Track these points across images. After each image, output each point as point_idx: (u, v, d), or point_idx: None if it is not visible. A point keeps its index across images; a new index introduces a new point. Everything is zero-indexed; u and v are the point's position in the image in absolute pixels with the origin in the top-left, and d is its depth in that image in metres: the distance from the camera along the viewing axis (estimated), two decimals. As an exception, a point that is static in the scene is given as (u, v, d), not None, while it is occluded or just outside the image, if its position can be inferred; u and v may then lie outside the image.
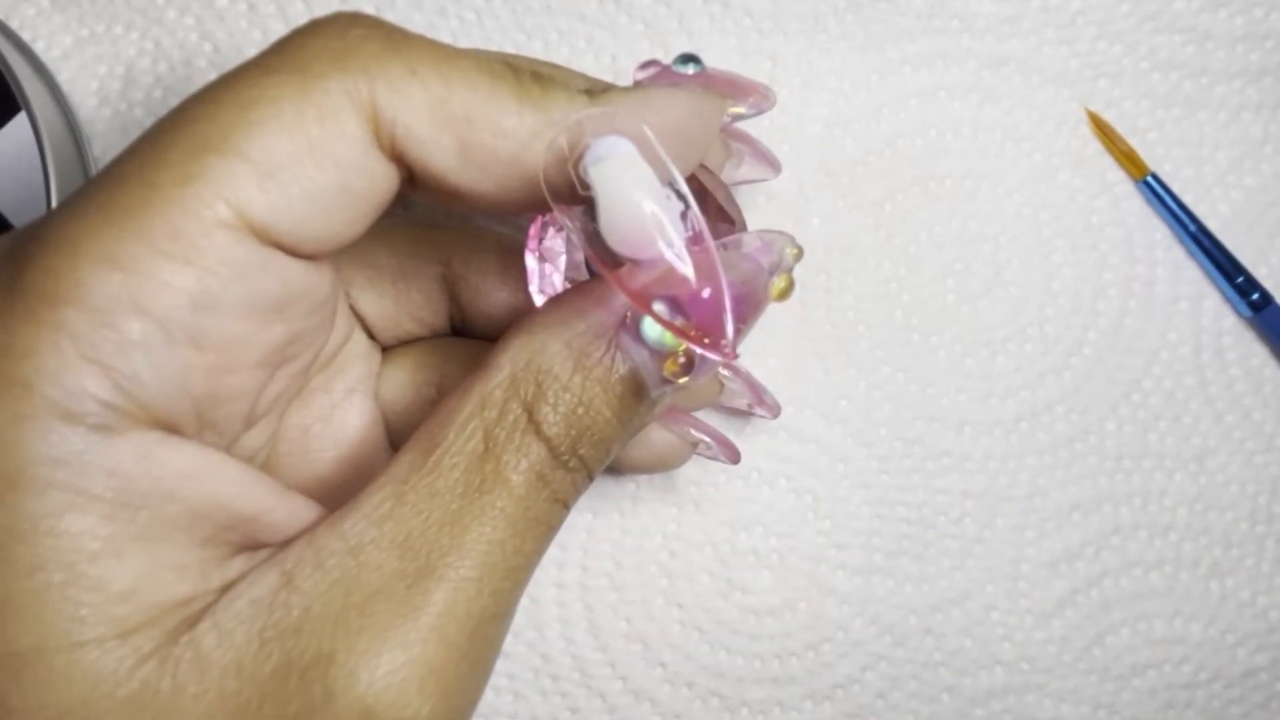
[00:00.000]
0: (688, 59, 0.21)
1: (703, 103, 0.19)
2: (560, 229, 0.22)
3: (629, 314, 0.17)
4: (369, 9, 0.26)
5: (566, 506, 0.18)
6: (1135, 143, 0.27)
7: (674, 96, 0.18)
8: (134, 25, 0.26)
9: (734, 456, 0.23)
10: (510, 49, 0.26)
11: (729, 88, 0.22)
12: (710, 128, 0.19)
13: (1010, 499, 0.27)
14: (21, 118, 0.24)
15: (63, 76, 0.26)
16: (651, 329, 0.17)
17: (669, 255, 0.16)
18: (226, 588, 0.16)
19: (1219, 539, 0.27)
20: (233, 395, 0.17)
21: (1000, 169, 0.27)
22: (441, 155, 0.17)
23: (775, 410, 0.24)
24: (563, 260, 0.22)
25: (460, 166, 0.17)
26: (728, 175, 0.24)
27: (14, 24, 0.26)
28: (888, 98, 0.27)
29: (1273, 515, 0.27)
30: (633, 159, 0.16)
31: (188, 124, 0.16)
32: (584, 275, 0.22)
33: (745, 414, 0.26)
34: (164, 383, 0.15)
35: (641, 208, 0.16)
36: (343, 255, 0.22)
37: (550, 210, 0.17)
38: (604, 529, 0.27)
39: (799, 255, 0.19)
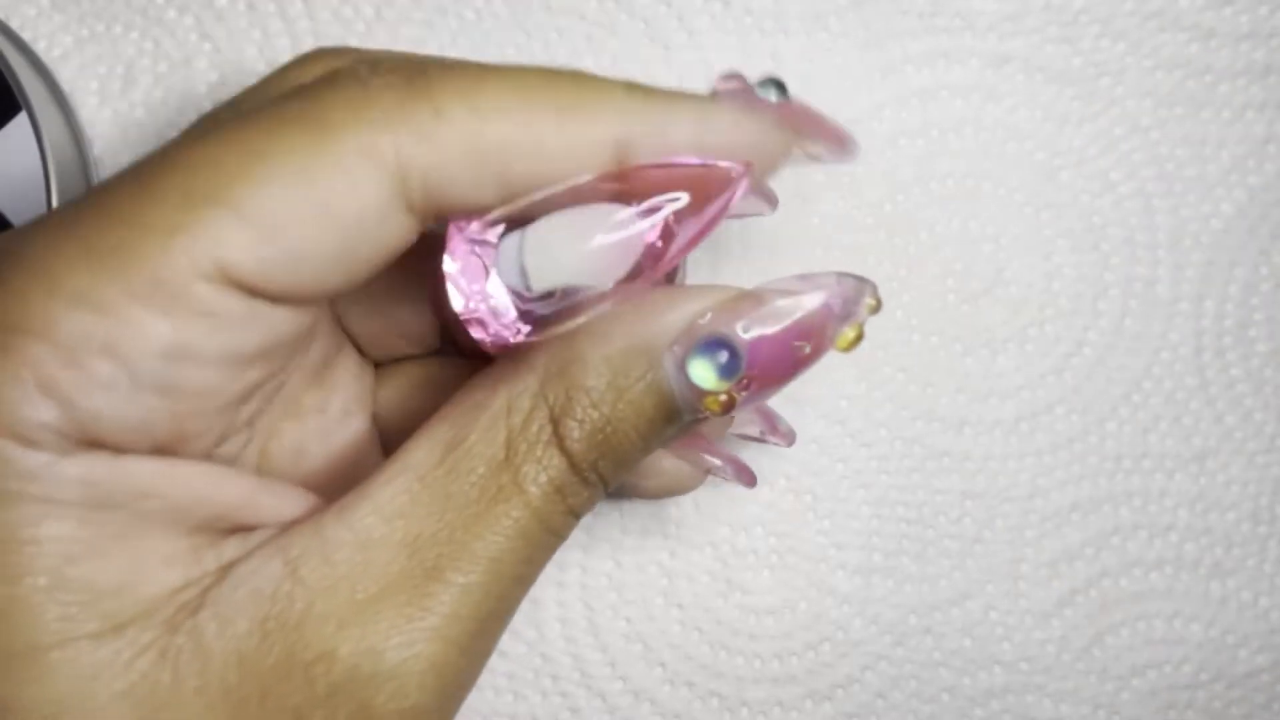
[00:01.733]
0: (772, 83, 0.19)
1: (772, 136, 0.17)
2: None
3: (677, 342, 0.16)
4: (369, 9, 0.26)
5: (578, 517, 0.18)
6: (1138, 141, 0.27)
7: (742, 120, 0.17)
8: (134, 25, 0.26)
9: (749, 480, 0.22)
10: (510, 49, 0.26)
11: (808, 125, 0.20)
12: (771, 164, 0.18)
13: (1010, 499, 0.27)
14: (22, 118, 0.24)
15: (63, 76, 0.26)
16: (697, 370, 0.16)
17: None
18: (223, 570, 0.16)
19: (1220, 539, 0.27)
20: (197, 434, 0.16)
21: (1002, 169, 0.27)
22: (478, 191, 0.16)
23: (790, 438, 0.23)
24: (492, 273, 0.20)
25: (500, 196, 0.16)
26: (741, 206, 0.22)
27: (14, 24, 0.26)
28: (889, 97, 0.27)
29: (1274, 516, 0.27)
30: (545, 228, 0.16)
31: (190, 166, 0.15)
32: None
33: (758, 441, 0.25)
34: (124, 425, 0.15)
35: (582, 243, 0.15)
36: None
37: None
38: (604, 529, 0.27)
39: (876, 308, 0.18)
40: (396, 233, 0.16)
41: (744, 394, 0.16)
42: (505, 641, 0.26)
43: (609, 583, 0.27)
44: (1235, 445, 0.27)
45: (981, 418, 0.27)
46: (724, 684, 0.27)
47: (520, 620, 0.26)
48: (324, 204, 0.15)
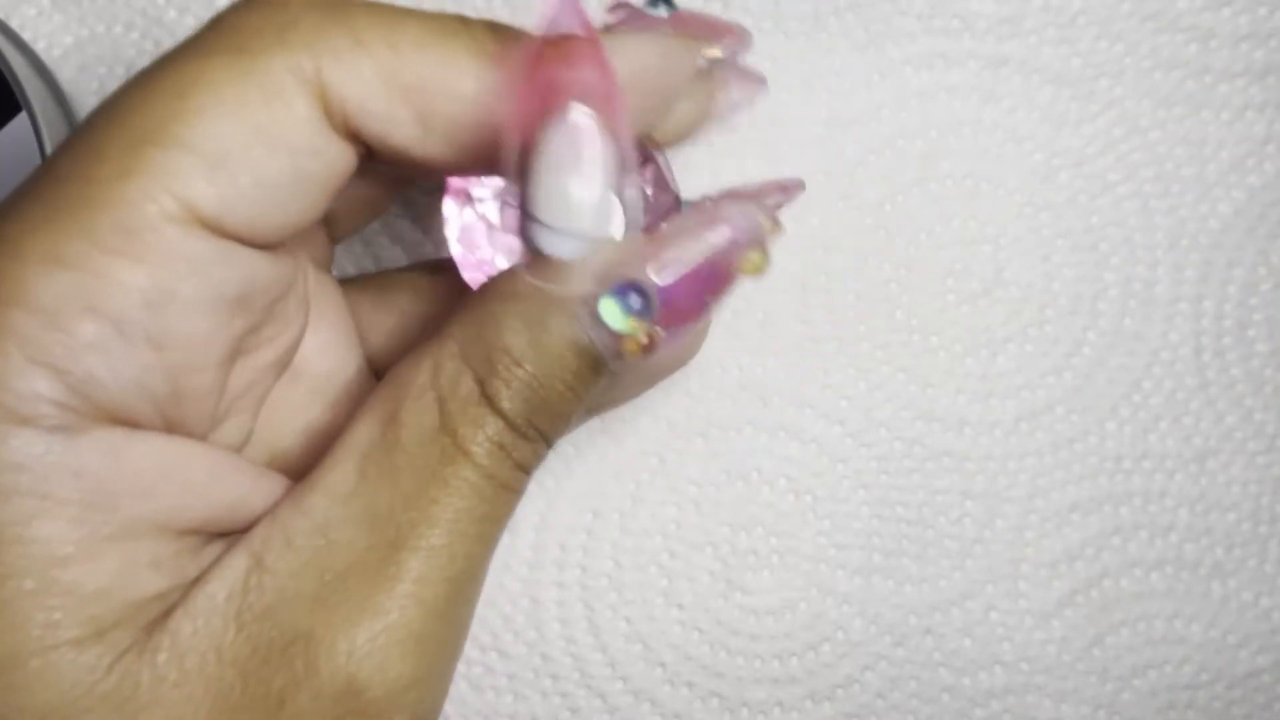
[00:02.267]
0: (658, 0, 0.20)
1: (673, 49, 0.18)
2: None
3: (589, 291, 0.17)
4: (369, 9, 0.26)
5: (528, 472, 0.18)
6: (1136, 142, 0.27)
7: (642, 43, 0.17)
8: (134, 25, 0.26)
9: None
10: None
11: (703, 29, 0.21)
12: (681, 74, 0.18)
13: (1010, 499, 0.27)
14: (22, 118, 0.24)
15: (63, 76, 0.26)
16: (609, 314, 0.16)
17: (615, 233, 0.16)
18: (201, 575, 0.16)
19: (1220, 540, 0.27)
20: (198, 395, 0.16)
21: (1001, 169, 0.27)
22: (400, 129, 0.16)
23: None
24: (492, 208, 0.20)
25: (421, 137, 0.16)
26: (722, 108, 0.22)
27: (14, 24, 0.26)
28: (888, 98, 0.27)
29: (1275, 516, 0.27)
30: (540, 204, 0.16)
31: (123, 115, 0.15)
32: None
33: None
34: (122, 384, 0.15)
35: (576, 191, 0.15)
36: None
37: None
38: (604, 529, 0.27)
39: (775, 228, 0.18)
40: (337, 158, 0.16)
41: (663, 332, 0.17)
42: (505, 641, 0.26)
43: (609, 583, 0.27)
44: (1235, 445, 0.27)
45: (981, 418, 0.27)
46: (724, 684, 0.27)
47: (520, 620, 0.26)
48: (264, 127, 0.15)
